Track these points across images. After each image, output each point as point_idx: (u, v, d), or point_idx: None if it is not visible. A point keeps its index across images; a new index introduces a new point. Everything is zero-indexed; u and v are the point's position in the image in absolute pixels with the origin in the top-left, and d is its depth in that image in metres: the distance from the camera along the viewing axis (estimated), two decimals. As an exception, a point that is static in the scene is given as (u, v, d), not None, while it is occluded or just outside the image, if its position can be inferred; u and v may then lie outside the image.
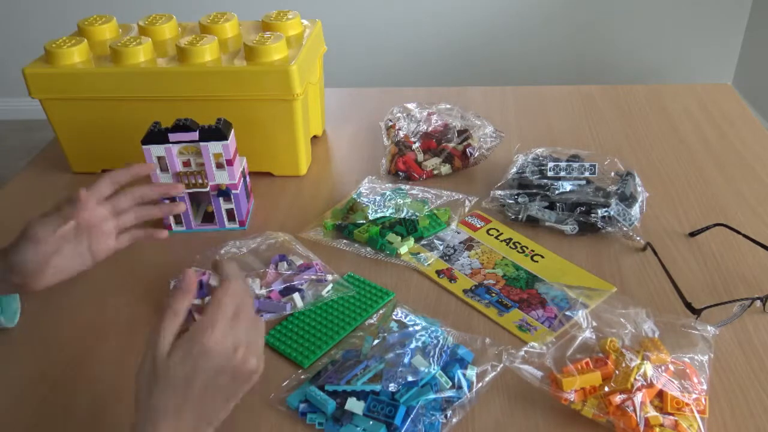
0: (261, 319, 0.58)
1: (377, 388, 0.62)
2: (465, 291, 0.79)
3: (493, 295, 0.79)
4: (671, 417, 0.59)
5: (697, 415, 0.59)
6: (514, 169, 0.95)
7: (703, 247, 0.85)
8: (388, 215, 0.90)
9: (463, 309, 0.77)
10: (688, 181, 0.99)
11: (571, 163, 0.93)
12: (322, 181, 1.04)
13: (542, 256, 0.85)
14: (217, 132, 0.84)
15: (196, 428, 0.54)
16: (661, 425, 0.58)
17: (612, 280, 0.80)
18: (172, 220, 0.91)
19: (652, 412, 0.59)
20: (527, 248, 0.86)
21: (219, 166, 0.87)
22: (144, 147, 0.85)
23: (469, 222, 0.92)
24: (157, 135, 0.84)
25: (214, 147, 0.85)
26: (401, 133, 1.05)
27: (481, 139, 1.03)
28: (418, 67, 2.99)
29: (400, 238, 0.86)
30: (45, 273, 0.71)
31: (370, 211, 0.89)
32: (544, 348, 0.67)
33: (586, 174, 0.92)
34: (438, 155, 1.02)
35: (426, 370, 0.63)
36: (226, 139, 0.85)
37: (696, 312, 0.72)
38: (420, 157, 1.02)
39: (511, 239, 0.88)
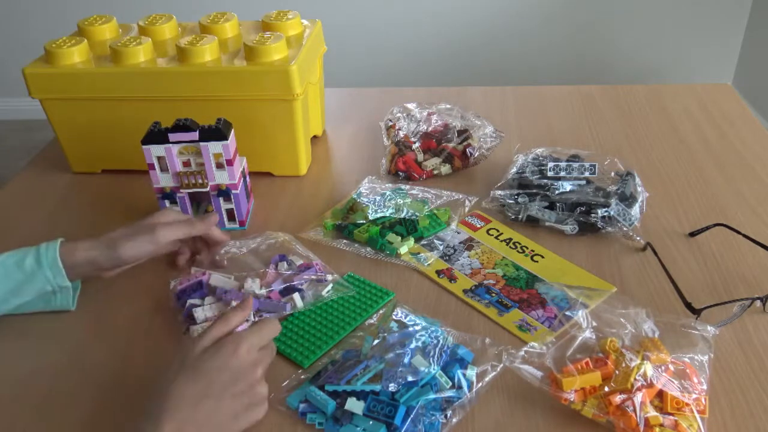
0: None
1: (377, 388, 0.62)
2: (465, 291, 0.79)
3: (493, 295, 0.79)
4: (671, 417, 0.59)
5: (697, 415, 0.59)
6: (514, 169, 0.95)
7: (703, 247, 0.85)
8: (388, 215, 0.90)
9: (463, 309, 0.77)
10: (688, 181, 0.99)
11: (571, 163, 0.93)
12: (322, 181, 1.04)
13: (542, 256, 0.85)
14: (217, 132, 0.84)
15: None
16: (661, 425, 0.58)
17: (612, 280, 0.80)
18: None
19: (652, 412, 0.59)
20: (527, 248, 0.86)
21: (219, 166, 0.87)
22: (144, 147, 0.85)
23: (469, 222, 0.92)
24: (157, 135, 0.84)
25: (214, 147, 0.85)
26: (401, 133, 1.05)
27: (481, 139, 1.03)
28: (418, 67, 2.99)
29: (400, 238, 0.86)
30: (127, 266, 0.80)
31: (370, 211, 0.89)
32: (544, 348, 0.67)
33: (586, 174, 0.92)
34: (438, 155, 1.02)
35: (426, 370, 0.63)
36: (226, 139, 0.85)
37: (696, 312, 0.72)
38: (420, 157, 1.02)
39: (511, 239, 0.88)
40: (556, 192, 0.90)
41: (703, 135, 1.13)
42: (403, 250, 0.85)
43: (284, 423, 0.63)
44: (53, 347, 0.74)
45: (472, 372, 0.65)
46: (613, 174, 0.94)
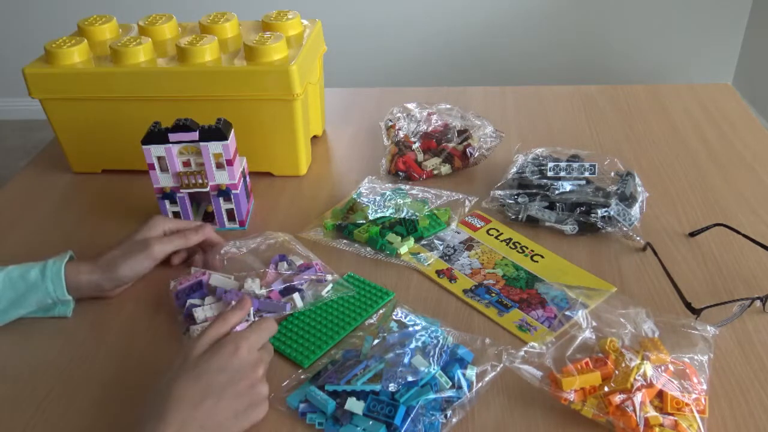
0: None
1: (377, 388, 0.62)
2: (465, 291, 0.79)
3: (493, 295, 0.79)
4: (671, 417, 0.59)
5: (696, 415, 0.59)
6: (514, 169, 0.95)
7: (703, 247, 0.85)
8: (388, 215, 0.90)
9: (463, 309, 0.77)
10: (688, 181, 0.99)
11: (571, 163, 0.93)
12: (322, 181, 1.04)
13: (542, 256, 0.85)
14: (217, 132, 0.84)
15: None
16: (661, 425, 0.58)
17: (612, 280, 0.80)
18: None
19: (651, 412, 0.59)
20: (527, 248, 0.86)
21: (219, 166, 0.87)
22: (144, 147, 0.85)
23: (469, 222, 0.92)
24: (157, 135, 0.84)
25: (214, 147, 0.85)
26: (401, 133, 1.05)
27: (481, 139, 1.03)
28: (418, 67, 2.99)
29: (400, 238, 0.86)
30: (129, 283, 0.81)
31: (370, 211, 0.89)
32: (544, 348, 0.67)
33: (586, 174, 0.92)
34: (438, 155, 1.02)
35: (426, 370, 0.63)
36: (226, 139, 0.85)
37: (696, 312, 0.72)
38: (420, 157, 1.02)
39: (511, 239, 0.88)
40: (556, 192, 0.90)
41: (703, 135, 1.13)
42: (403, 250, 0.85)
43: (284, 423, 0.63)
44: (53, 347, 0.74)
45: (472, 372, 0.65)
46: (613, 174, 0.94)
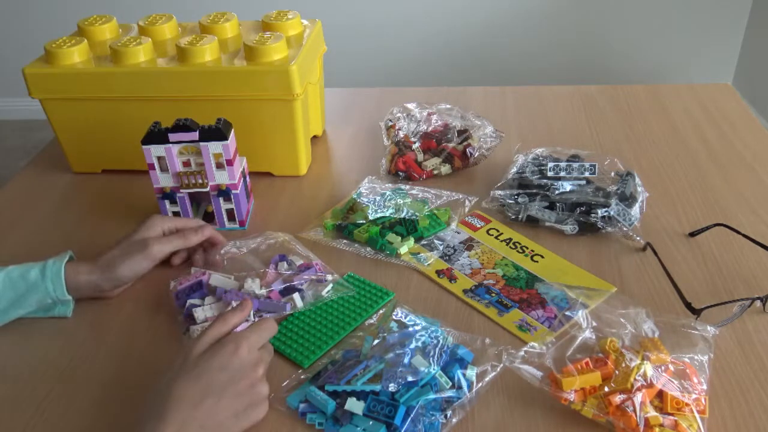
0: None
1: (377, 388, 0.62)
2: (465, 291, 0.79)
3: (493, 295, 0.79)
4: (671, 417, 0.59)
5: (696, 415, 0.59)
6: (514, 169, 0.95)
7: (703, 247, 0.85)
8: (388, 215, 0.90)
9: (463, 309, 0.77)
10: (688, 181, 0.99)
11: (571, 163, 0.93)
12: (322, 181, 1.04)
13: (542, 256, 0.85)
14: (217, 132, 0.84)
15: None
16: (661, 425, 0.58)
17: (612, 280, 0.80)
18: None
19: (652, 412, 0.59)
20: (527, 248, 0.86)
21: (219, 166, 0.87)
22: (144, 147, 0.85)
23: (469, 222, 0.92)
24: (157, 135, 0.84)
25: (214, 147, 0.85)
26: (401, 133, 1.05)
27: (481, 139, 1.03)
28: (418, 67, 2.99)
29: (400, 238, 0.86)
30: (129, 283, 0.80)
31: (370, 211, 0.89)
32: (544, 348, 0.67)
33: (586, 174, 0.92)
34: (438, 155, 1.02)
35: (426, 370, 0.63)
36: (226, 139, 0.85)
37: (696, 312, 0.72)
38: (420, 157, 1.02)
39: (511, 239, 0.88)
40: (556, 192, 0.90)
41: (703, 135, 1.13)
42: (403, 250, 0.85)
43: (284, 423, 0.63)
44: (53, 347, 0.74)
45: (472, 372, 0.65)
46: (613, 174, 0.94)
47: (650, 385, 0.61)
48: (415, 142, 1.03)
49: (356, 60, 2.95)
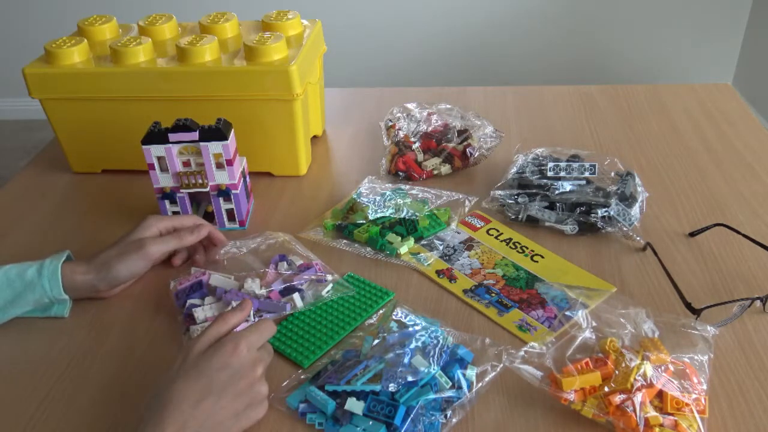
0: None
1: (377, 388, 0.62)
2: (465, 291, 0.79)
3: (493, 295, 0.79)
4: (671, 417, 0.59)
5: (696, 415, 0.59)
6: (514, 169, 0.95)
7: (703, 247, 0.85)
8: (388, 215, 0.90)
9: (463, 309, 0.77)
10: (688, 181, 0.99)
11: (571, 163, 0.93)
12: (322, 181, 1.04)
13: (542, 256, 0.85)
14: (217, 132, 0.84)
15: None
16: (661, 425, 0.58)
17: (612, 280, 0.80)
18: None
19: (651, 412, 0.59)
20: (527, 248, 0.86)
21: (219, 166, 0.87)
22: (144, 147, 0.85)
23: (469, 222, 0.92)
24: (157, 135, 0.84)
25: (214, 147, 0.85)
26: (401, 133, 1.05)
27: (481, 139, 1.03)
28: (418, 67, 2.99)
29: (400, 238, 0.86)
30: (127, 283, 0.80)
31: (370, 211, 0.89)
32: (544, 348, 0.67)
33: (586, 174, 0.92)
34: (438, 155, 1.02)
35: (426, 370, 0.63)
36: (226, 139, 0.85)
37: (696, 312, 0.72)
38: (420, 157, 1.02)
39: (511, 239, 0.88)
40: (556, 192, 0.90)
41: (703, 135, 1.13)
42: (403, 250, 0.85)
43: (284, 423, 0.63)
44: (53, 347, 0.74)
45: (472, 372, 0.65)
46: (613, 174, 0.94)
47: (650, 385, 0.61)
48: (415, 142, 1.03)
49: (356, 60, 2.96)
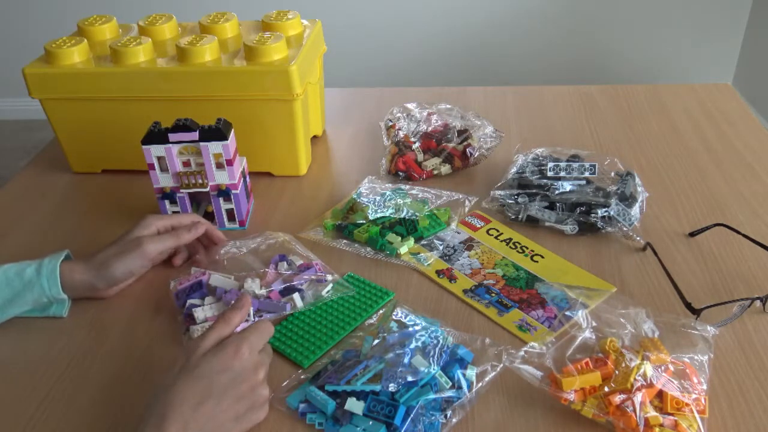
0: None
1: (377, 388, 0.62)
2: (465, 291, 0.79)
3: (493, 295, 0.79)
4: (671, 417, 0.59)
5: (696, 415, 0.59)
6: (514, 169, 0.95)
7: (703, 247, 0.85)
8: (388, 215, 0.90)
9: (463, 309, 0.77)
10: (688, 181, 0.99)
11: (571, 163, 0.93)
12: (322, 181, 1.04)
13: (542, 256, 0.85)
14: (217, 132, 0.84)
15: None
16: (661, 425, 0.58)
17: (612, 280, 0.80)
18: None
19: (651, 412, 0.59)
20: (527, 248, 0.86)
21: (219, 166, 0.87)
22: (144, 147, 0.85)
23: (469, 222, 0.92)
24: (157, 135, 0.84)
25: (214, 147, 0.85)
26: (401, 133, 1.05)
27: (481, 139, 1.03)
28: (418, 67, 2.99)
29: (400, 238, 0.86)
30: (126, 282, 0.80)
31: (370, 211, 0.89)
32: (544, 348, 0.67)
33: (586, 174, 0.92)
34: (438, 155, 1.02)
35: (426, 370, 0.63)
36: (226, 139, 0.85)
37: (696, 312, 0.72)
38: (420, 157, 1.02)
39: (511, 239, 0.88)
40: (556, 192, 0.90)
41: (703, 135, 1.13)
42: (403, 250, 0.85)
43: (284, 423, 0.63)
44: (53, 347, 0.74)
45: (472, 372, 0.65)
46: (613, 174, 0.94)
47: (650, 385, 0.61)
48: (415, 142, 1.03)
49: (356, 60, 2.96)
